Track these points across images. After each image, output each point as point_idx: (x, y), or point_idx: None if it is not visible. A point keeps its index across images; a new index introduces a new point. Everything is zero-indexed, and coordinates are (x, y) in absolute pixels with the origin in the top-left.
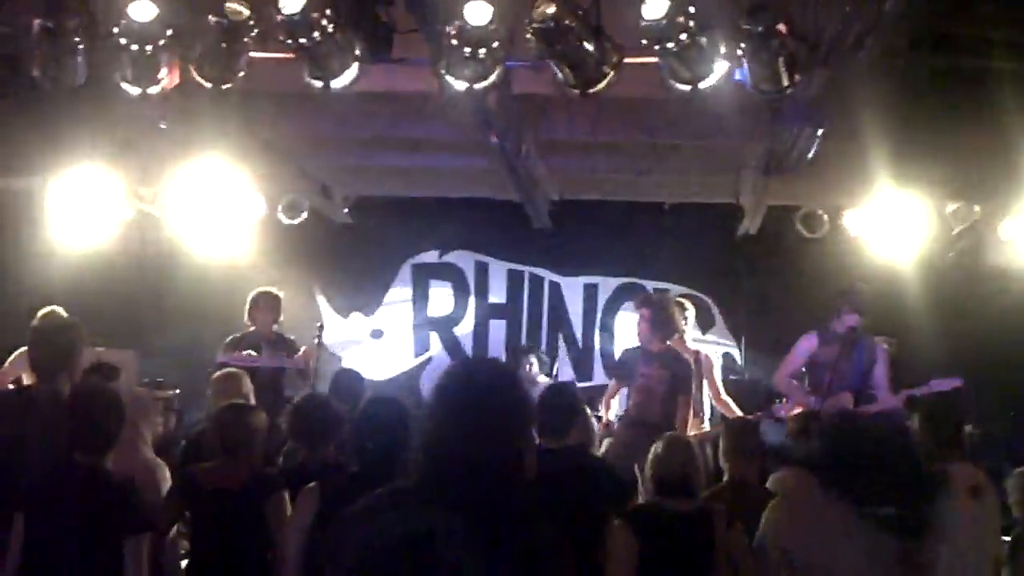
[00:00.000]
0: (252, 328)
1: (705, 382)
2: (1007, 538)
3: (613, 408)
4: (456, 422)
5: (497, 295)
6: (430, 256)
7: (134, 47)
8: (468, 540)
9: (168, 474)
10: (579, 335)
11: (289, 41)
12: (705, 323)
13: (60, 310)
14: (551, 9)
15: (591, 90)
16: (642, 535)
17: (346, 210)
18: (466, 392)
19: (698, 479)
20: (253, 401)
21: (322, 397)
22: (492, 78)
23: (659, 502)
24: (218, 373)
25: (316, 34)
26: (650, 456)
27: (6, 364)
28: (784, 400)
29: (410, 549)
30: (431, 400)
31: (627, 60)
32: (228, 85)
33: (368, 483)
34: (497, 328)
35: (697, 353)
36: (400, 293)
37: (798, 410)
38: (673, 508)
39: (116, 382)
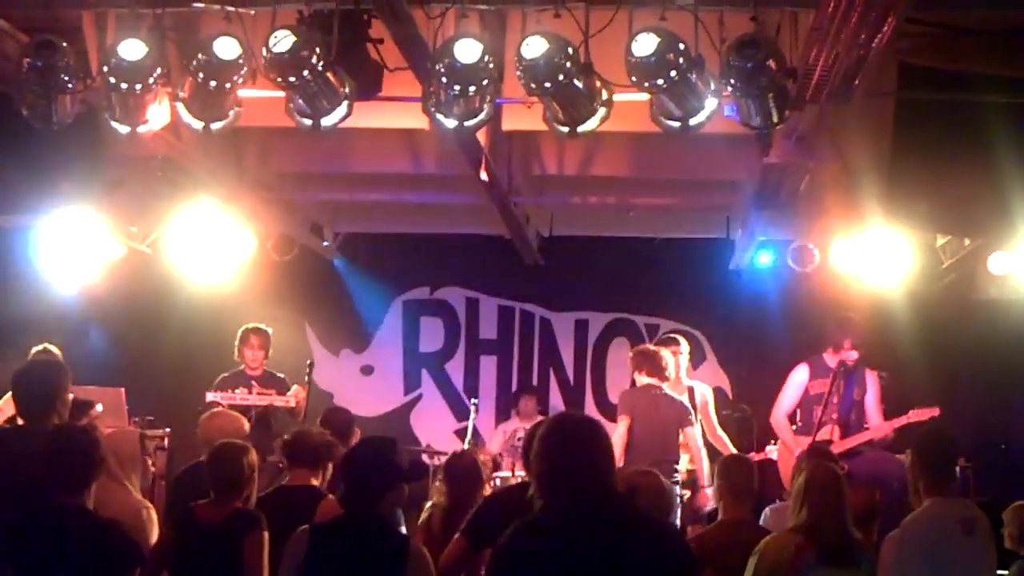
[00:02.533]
0: (242, 365)
1: (700, 418)
2: (1004, 572)
3: None
4: (573, 459)
5: (488, 331)
6: (420, 292)
7: (124, 86)
8: (648, 556)
9: (154, 515)
10: (570, 371)
11: (279, 79)
12: (696, 358)
13: (52, 348)
14: (541, 47)
15: (581, 128)
16: None
17: (326, 242)
18: (577, 434)
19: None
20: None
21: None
22: (482, 115)
23: None
24: (210, 412)
25: (306, 72)
26: None
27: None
28: (779, 442)
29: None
30: (541, 445)
31: (617, 97)
32: (218, 123)
33: (355, 523)
34: (488, 364)
35: (691, 389)
36: (390, 330)
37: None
38: None
39: (88, 416)
